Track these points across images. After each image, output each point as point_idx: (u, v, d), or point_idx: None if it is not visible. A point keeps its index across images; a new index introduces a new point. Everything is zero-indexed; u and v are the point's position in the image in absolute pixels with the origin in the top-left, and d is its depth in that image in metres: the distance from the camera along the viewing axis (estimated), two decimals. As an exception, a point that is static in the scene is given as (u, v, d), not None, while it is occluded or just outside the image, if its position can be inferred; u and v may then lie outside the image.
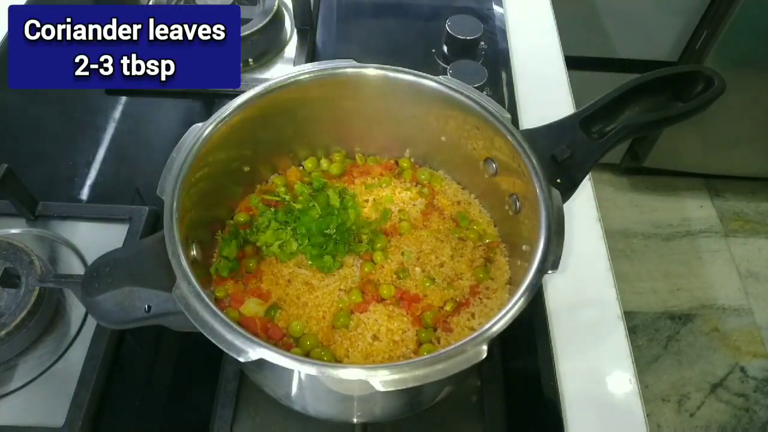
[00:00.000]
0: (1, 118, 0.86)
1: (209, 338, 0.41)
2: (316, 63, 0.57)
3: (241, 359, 0.40)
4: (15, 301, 0.60)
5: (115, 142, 0.84)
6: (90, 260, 0.69)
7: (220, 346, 0.41)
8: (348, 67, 0.57)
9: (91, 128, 0.85)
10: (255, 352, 0.40)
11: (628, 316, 0.61)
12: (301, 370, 0.40)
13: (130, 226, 0.71)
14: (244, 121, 0.55)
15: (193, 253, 0.51)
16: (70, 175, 0.79)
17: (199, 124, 0.52)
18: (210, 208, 0.56)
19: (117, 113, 0.87)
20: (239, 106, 0.54)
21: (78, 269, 0.68)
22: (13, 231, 0.70)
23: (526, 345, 0.67)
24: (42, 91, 0.90)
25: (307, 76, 0.56)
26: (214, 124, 0.52)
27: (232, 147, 0.56)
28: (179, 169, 0.49)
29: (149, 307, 0.47)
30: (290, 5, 0.98)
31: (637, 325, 1.70)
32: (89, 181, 0.79)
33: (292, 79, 0.56)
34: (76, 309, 0.65)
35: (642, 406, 0.62)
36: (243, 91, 0.91)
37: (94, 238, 0.71)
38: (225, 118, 0.53)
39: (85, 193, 0.78)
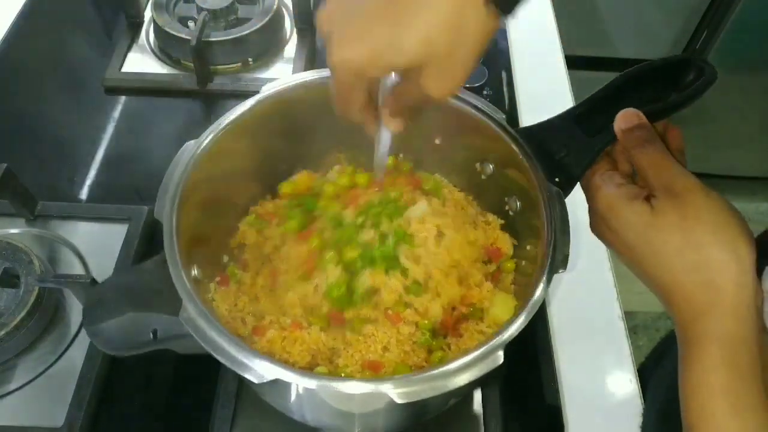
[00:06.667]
0: (1, 118, 0.86)
1: (221, 361, 0.40)
2: (310, 71, 0.56)
3: (256, 380, 0.39)
4: (14, 301, 0.60)
5: (115, 142, 0.84)
6: (90, 260, 0.69)
7: (233, 368, 0.40)
8: None
9: (91, 128, 0.85)
10: (270, 372, 0.39)
11: (628, 316, 0.62)
12: (320, 388, 0.39)
13: (130, 226, 0.71)
14: (236, 136, 0.54)
15: (194, 272, 0.50)
16: (70, 175, 0.79)
17: (192, 142, 0.51)
18: (209, 226, 0.55)
19: (117, 113, 0.87)
20: (231, 122, 0.53)
21: (78, 269, 0.68)
22: (13, 231, 0.70)
23: (527, 345, 0.67)
24: (42, 91, 0.90)
25: (293, 86, 0.55)
26: (207, 141, 0.51)
27: (227, 164, 0.55)
28: (175, 190, 0.48)
29: (155, 331, 0.46)
30: (290, 5, 0.98)
31: (637, 325, 1.70)
32: (89, 181, 0.79)
33: (281, 90, 0.55)
34: (75, 309, 0.65)
35: (642, 406, 0.62)
36: (240, 93, 0.90)
37: (94, 238, 0.71)
38: (218, 134, 0.52)
39: (84, 193, 0.78)
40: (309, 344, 0.50)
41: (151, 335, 0.47)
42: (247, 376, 0.40)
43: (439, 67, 0.38)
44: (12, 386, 0.60)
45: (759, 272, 0.47)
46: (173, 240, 0.46)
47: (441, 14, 0.35)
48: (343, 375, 0.49)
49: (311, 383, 0.40)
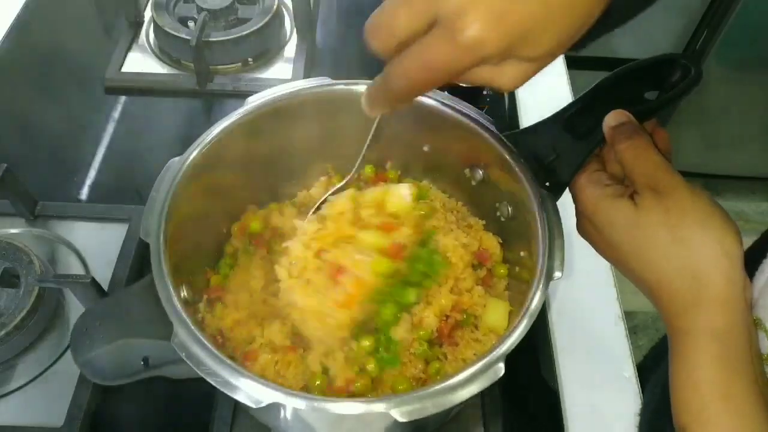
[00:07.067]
0: (1, 118, 0.86)
1: (216, 386, 0.39)
2: (293, 83, 0.55)
3: (253, 405, 0.38)
4: (14, 301, 0.60)
5: (115, 142, 0.84)
6: (90, 260, 0.69)
7: (229, 394, 0.39)
8: (329, 85, 0.55)
9: (91, 128, 0.85)
10: (269, 396, 0.39)
11: (628, 316, 0.62)
12: (323, 412, 0.38)
13: (130, 226, 0.71)
14: (221, 151, 0.53)
15: (183, 293, 0.48)
16: (70, 175, 0.79)
17: (176, 159, 0.50)
18: (196, 244, 0.54)
19: (117, 113, 0.87)
20: (215, 137, 0.52)
21: (77, 269, 0.68)
22: (13, 231, 0.70)
23: (527, 346, 0.66)
24: (42, 91, 0.90)
25: (278, 97, 0.54)
26: (191, 158, 0.50)
27: (212, 179, 0.54)
28: (161, 209, 0.47)
29: (146, 358, 0.45)
30: (290, 5, 0.98)
31: (637, 325, 1.70)
32: (89, 181, 0.79)
33: (266, 102, 0.54)
34: (75, 309, 0.65)
35: (641, 405, 0.62)
36: (240, 93, 0.90)
37: (94, 238, 0.71)
38: (203, 150, 0.51)
39: (84, 193, 0.78)
40: (304, 368, 0.49)
41: (142, 363, 0.45)
42: (244, 401, 0.39)
43: (536, 66, 0.34)
44: (12, 386, 0.60)
45: (756, 265, 0.47)
46: (161, 261, 0.44)
47: (584, 15, 0.32)
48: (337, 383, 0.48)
49: (316, 408, 0.38)
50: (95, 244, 0.70)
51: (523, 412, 0.63)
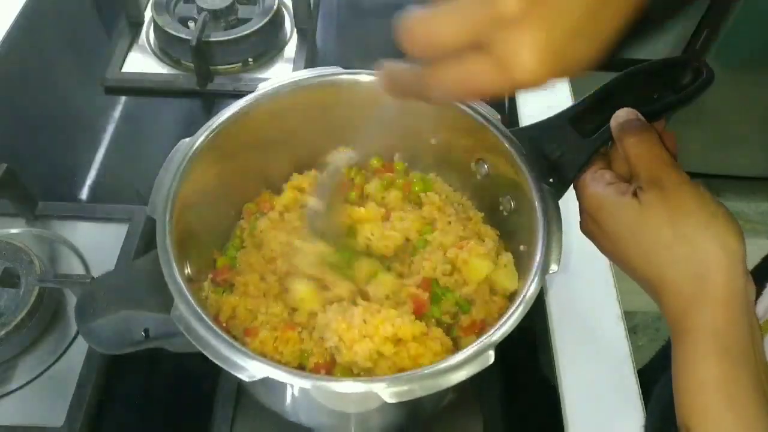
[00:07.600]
0: (1, 118, 0.86)
1: (211, 358, 0.40)
2: (305, 71, 0.56)
3: (246, 378, 0.39)
4: (15, 301, 0.60)
5: (115, 142, 0.84)
6: (90, 260, 0.69)
7: (223, 366, 0.40)
8: (341, 74, 0.56)
9: (91, 128, 0.85)
10: (260, 371, 0.39)
11: (628, 316, 0.62)
12: (311, 386, 0.39)
13: (130, 226, 0.71)
14: (232, 134, 0.53)
15: (187, 270, 0.49)
16: (70, 175, 0.79)
17: (187, 140, 0.51)
18: (204, 224, 0.54)
19: (117, 113, 0.87)
20: (226, 120, 0.53)
21: (78, 269, 0.68)
22: (13, 231, 0.70)
23: (526, 345, 0.67)
24: (42, 91, 0.90)
25: (289, 84, 0.55)
26: (202, 139, 0.51)
27: (222, 162, 0.55)
28: (169, 187, 0.48)
29: (147, 330, 0.46)
30: (290, 5, 0.98)
31: (637, 325, 1.70)
32: (89, 181, 0.79)
33: (277, 88, 0.54)
34: (75, 309, 0.65)
35: (642, 407, 0.62)
36: (240, 93, 0.90)
37: (94, 238, 0.71)
38: (214, 131, 0.52)
39: (85, 193, 0.78)
40: (301, 346, 0.50)
41: (143, 334, 0.46)
42: (237, 374, 0.39)
43: None
44: (12, 386, 0.60)
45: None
46: (166, 237, 0.45)
47: (619, 27, 0.30)
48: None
49: (303, 382, 0.39)
50: (95, 244, 0.70)
51: (523, 412, 0.63)
